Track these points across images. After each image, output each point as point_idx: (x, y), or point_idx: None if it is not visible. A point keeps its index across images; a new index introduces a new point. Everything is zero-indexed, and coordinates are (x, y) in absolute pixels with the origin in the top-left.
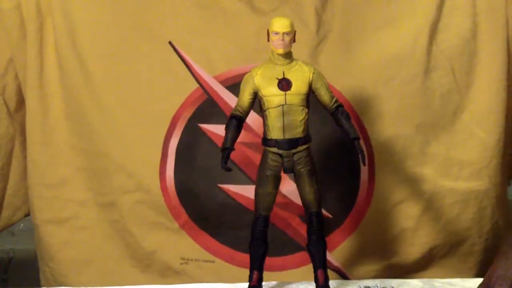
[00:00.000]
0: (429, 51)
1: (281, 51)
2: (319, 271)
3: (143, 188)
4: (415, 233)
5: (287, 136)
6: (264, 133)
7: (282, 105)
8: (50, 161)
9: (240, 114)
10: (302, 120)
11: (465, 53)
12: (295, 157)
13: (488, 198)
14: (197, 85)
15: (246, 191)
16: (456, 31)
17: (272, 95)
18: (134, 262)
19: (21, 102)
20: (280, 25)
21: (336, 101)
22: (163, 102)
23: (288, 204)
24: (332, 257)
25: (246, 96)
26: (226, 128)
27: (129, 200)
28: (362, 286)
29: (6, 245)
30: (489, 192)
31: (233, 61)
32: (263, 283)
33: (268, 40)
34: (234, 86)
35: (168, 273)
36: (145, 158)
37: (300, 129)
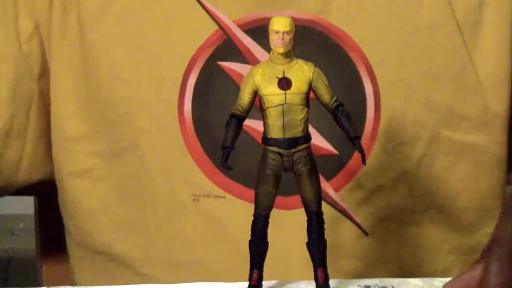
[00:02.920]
0: (436, 6)
1: (281, 50)
2: (319, 270)
3: (161, 124)
4: (416, 176)
5: (287, 135)
6: (264, 132)
7: (282, 104)
8: (71, 116)
9: (240, 113)
10: (302, 119)
11: (470, 18)
12: (295, 156)
13: (486, 156)
14: (216, 27)
15: (261, 126)
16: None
17: (272, 94)
18: (147, 204)
19: (44, 69)
20: (280, 24)
21: (336, 100)
22: (182, 45)
23: None
24: (338, 197)
25: (246, 96)
26: (226, 127)
27: (147, 139)
28: (362, 285)
29: (6, 244)
30: (487, 149)
31: (250, 8)
32: (263, 282)
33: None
34: (251, 30)
35: (178, 212)
36: (164, 97)
37: (300, 128)
